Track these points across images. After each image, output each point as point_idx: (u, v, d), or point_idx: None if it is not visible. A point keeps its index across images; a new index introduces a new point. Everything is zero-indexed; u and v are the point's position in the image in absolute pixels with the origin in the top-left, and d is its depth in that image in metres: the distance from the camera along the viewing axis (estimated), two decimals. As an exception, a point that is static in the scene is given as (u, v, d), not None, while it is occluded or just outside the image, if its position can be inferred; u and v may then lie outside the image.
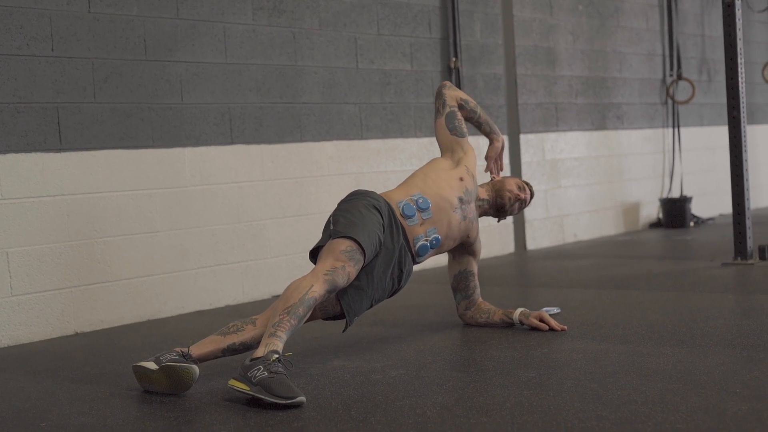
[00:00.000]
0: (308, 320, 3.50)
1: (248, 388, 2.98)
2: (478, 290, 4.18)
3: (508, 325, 4.08)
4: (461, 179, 3.97)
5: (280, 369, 3.00)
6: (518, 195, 4.10)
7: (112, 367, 3.79)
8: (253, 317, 3.48)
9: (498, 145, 4.20)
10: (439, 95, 4.15)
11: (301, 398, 2.95)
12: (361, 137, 6.04)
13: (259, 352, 3.07)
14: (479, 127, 4.22)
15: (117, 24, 4.81)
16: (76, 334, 4.61)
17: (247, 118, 5.39)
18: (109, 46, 4.78)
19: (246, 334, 3.40)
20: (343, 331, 3.76)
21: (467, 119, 4.18)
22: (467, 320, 4.19)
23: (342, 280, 3.37)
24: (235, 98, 5.32)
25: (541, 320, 3.97)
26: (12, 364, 4.01)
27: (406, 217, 3.75)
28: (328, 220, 3.63)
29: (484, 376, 3.26)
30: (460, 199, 3.93)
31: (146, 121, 4.93)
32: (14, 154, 4.45)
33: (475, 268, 4.15)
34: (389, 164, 6.20)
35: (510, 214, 4.17)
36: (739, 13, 5.59)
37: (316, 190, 5.74)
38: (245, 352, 3.38)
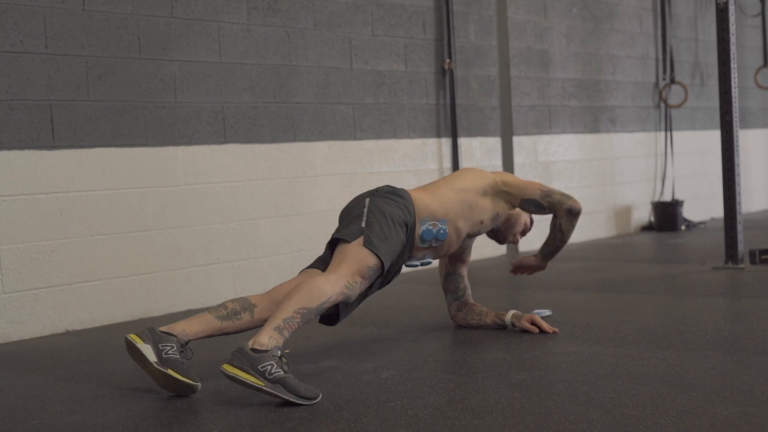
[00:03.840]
0: None
1: (262, 383, 2.92)
2: (468, 291, 4.19)
3: (500, 327, 4.09)
4: (482, 222, 3.91)
5: (286, 368, 2.99)
6: (517, 238, 4.18)
7: (103, 365, 3.79)
8: (252, 301, 3.41)
9: (536, 264, 4.15)
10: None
11: (320, 396, 3.00)
12: (355, 138, 6.04)
13: (263, 340, 3.00)
14: (550, 240, 4.07)
15: (111, 22, 4.80)
16: (67, 332, 4.61)
17: (241, 118, 5.39)
18: (103, 44, 4.78)
19: (243, 324, 3.38)
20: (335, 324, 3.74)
21: (552, 228, 4.05)
22: (459, 321, 4.20)
23: (354, 296, 3.37)
24: (228, 97, 5.32)
25: (533, 323, 3.98)
26: (2, 361, 4.00)
27: (421, 240, 3.70)
28: (363, 211, 3.53)
29: (476, 378, 3.26)
30: (469, 235, 3.95)
31: (140, 120, 4.93)
32: (7, 152, 4.44)
33: (464, 271, 4.17)
34: (382, 165, 6.21)
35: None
36: (732, 17, 5.61)
37: (309, 190, 5.74)
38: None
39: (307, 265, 3.73)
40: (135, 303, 4.89)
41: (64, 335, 4.55)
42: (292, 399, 2.94)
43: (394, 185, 3.83)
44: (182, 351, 3.22)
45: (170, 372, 3.12)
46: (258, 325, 3.37)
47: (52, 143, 4.59)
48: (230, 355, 2.99)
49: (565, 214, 3.96)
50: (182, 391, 3.17)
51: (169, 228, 5.05)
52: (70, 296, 4.64)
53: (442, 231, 3.73)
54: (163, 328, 3.24)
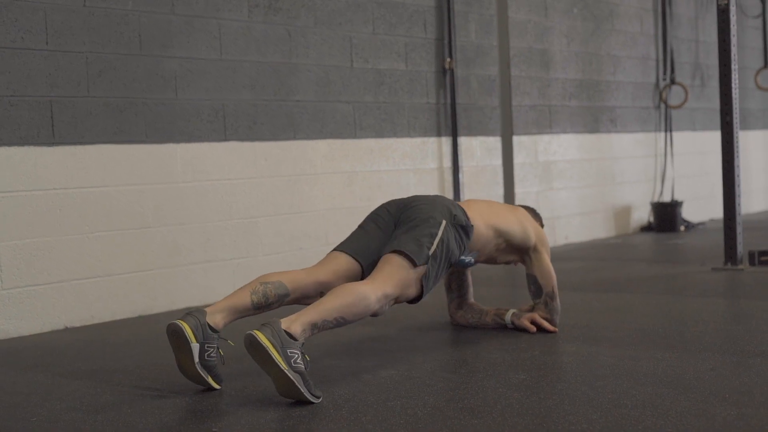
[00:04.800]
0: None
1: (285, 366, 2.89)
2: (471, 290, 4.20)
3: (500, 326, 4.08)
4: (496, 261, 3.98)
5: (306, 364, 2.98)
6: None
7: (102, 362, 3.78)
8: (288, 288, 3.35)
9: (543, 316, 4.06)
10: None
11: (321, 396, 3.01)
12: (355, 136, 6.03)
13: (297, 329, 2.96)
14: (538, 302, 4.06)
15: (112, 18, 4.80)
16: (66, 329, 4.60)
17: (241, 115, 5.38)
18: (104, 41, 4.77)
19: (269, 311, 3.38)
20: None
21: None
22: (458, 319, 4.20)
23: (381, 313, 3.33)
24: (229, 95, 5.32)
25: (533, 322, 3.98)
26: (1, 358, 3.99)
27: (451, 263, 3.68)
28: (436, 233, 3.47)
29: (475, 378, 3.26)
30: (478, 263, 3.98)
31: (139, 116, 4.92)
32: (6, 148, 4.43)
33: (467, 270, 4.17)
34: (382, 164, 6.20)
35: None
36: (733, 18, 5.61)
37: (308, 188, 5.73)
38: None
39: (337, 246, 3.62)
40: (134, 300, 4.89)
41: (63, 332, 4.55)
42: (305, 394, 2.93)
43: (462, 211, 3.67)
44: (219, 345, 3.22)
45: (209, 380, 3.17)
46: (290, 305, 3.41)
47: (52, 139, 4.59)
48: (261, 325, 2.94)
49: (542, 318, 4.01)
50: (201, 385, 3.20)
51: (169, 225, 5.05)
52: (69, 293, 4.64)
53: (470, 263, 3.77)
54: (210, 320, 3.18)
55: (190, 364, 3.15)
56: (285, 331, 2.93)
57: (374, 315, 3.29)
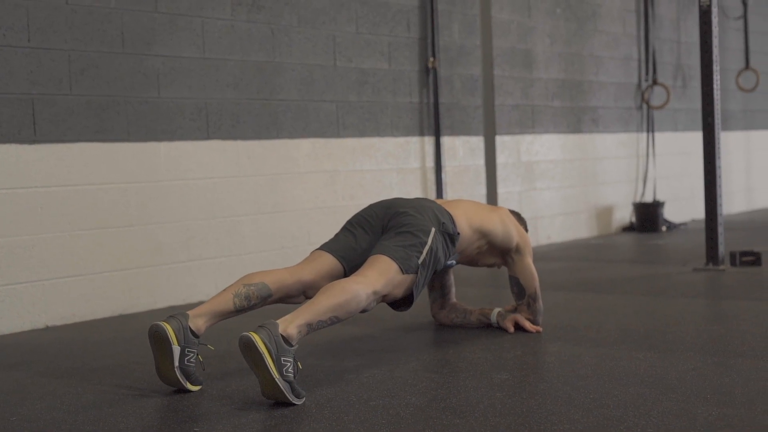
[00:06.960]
0: (294, 301, 3.49)
1: (277, 376, 2.88)
2: (453, 289, 4.20)
3: (485, 325, 4.09)
4: (477, 263, 3.99)
5: (296, 371, 2.97)
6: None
7: (84, 361, 3.77)
8: (270, 289, 3.36)
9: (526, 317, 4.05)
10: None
11: (304, 397, 3.01)
12: (338, 135, 6.03)
13: (293, 332, 2.95)
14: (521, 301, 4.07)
15: (95, 16, 4.78)
16: (47, 328, 4.58)
17: (224, 114, 5.37)
18: (87, 38, 4.75)
19: (251, 311, 3.38)
20: None
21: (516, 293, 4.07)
22: (441, 319, 4.20)
23: (369, 309, 3.33)
24: (212, 93, 5.30)
25: (517, 322, 3.99)
26: (-18, 356, 3.97)
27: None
28: (426, 241, 3.49)
29: (458, 378, 3.27)
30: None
31: (122, 115, 4.90)
32: (-12, 145, 4.41)
33: (449, 270, 4.17)
34: (365, 163, 6.20)
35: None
36: (715, 20, 5.63)
37: (292, 187, 5.73)
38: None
39: (321, 245, 3.62)
40: (116, 299, 4.87)
41: (43, 331, 4.52)
42: (291, 400, 2.93)
43: (451, 219, 3.69)
44: (198, 351, 3.21)
45: (188, 385, 3.16)
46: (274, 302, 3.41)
47: (34, 137, 4.56)
48: (258, 327, 2.92)
49: (523, 317, 4.02)
50: (178, 388, 3.19)
51: (151, 224, 5.03)
52: (50, 291, 4.61)
53: (451, 264, 3.79)
54: (192, 323, 3.17)
55: (169, 367, 3.13)
56: (282, 335, 2.92)
57: (362, 311, 3.30)
